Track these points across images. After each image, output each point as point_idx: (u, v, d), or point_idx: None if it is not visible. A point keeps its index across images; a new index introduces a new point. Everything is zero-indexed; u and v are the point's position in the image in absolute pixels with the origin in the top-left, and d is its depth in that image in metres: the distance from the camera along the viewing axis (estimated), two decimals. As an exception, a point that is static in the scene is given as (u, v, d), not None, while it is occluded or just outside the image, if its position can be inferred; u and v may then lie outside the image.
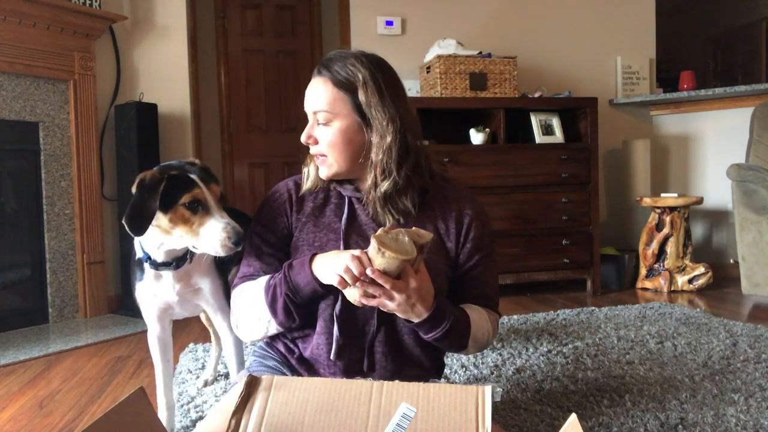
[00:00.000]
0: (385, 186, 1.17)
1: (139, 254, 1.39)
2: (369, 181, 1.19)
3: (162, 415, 1.54)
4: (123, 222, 1.23)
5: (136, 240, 1.36)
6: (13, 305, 2.94)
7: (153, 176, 1.24)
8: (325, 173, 1.21)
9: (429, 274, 1.10)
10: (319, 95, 1.17)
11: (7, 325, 2.82)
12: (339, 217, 1.22)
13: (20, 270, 2.96)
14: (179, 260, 1.37)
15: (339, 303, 1.16)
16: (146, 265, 1.39)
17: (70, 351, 2.48)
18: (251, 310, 1.18)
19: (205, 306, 1.49)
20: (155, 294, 1.46)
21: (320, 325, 1.19)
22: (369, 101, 1.15)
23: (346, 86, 1.16)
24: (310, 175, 1.26)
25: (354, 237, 1.21)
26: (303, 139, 1.19)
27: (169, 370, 1.56)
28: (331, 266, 1.04)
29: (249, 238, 1.26)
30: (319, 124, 1.18)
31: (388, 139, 1.15)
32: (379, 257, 0.99)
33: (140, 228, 1.23)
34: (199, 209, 1.24)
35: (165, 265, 1.38)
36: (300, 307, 1.13)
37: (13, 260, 2.94)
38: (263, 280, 1.18)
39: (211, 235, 1.23)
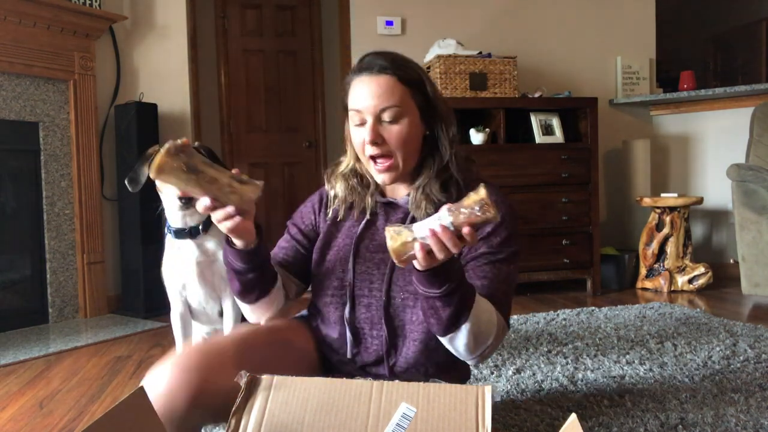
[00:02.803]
0: (436, 175, 1.19)
1: (167, 229, 1.68)
2: (421, 178, 1.20)
3: None
4: (125, 181, 1.64)
5: (166, 215, 1.67)
6: (13, 305, 2.94)
7: (152, 149, 1.60)
8: (389, 179, 1.19)
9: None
10: (386, 91, 1.14)
11: (7, 325, 2.82)
12: (359, 221, 1.26)
13: (20, 270, 2.96)
14: (194, 229, 1.63)
15: (347, 307, 1.22)
16: (168, 237, 1.65)
17: (70, 351, 2.48)
18: None
19: (219, 282, 1.67)
20: (176, 266, 1.67)
21: (332, 327, 1.25)
22: (435, 94, 1.20)
23: (412, 82, 1.17)
24: (338, 195, 1.28)
25: (366, 241, 1.24)
26: (371, 137, 1.14)
27: (189, 343, 1.73)
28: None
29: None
30: (382, 123, 1.15)
31: (453, 129, 1.20)
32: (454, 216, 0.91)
33: (134, 183, 1.62)
34: None
35: (181, 233, 1.63)
36: (238, 274, 1.15)
37: (13, 260, 2.94)
38: None
39: (169, 193, 1.55)
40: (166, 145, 0.99)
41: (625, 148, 3.95)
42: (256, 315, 1.24)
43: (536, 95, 3.46)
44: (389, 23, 3.70)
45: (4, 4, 2.75)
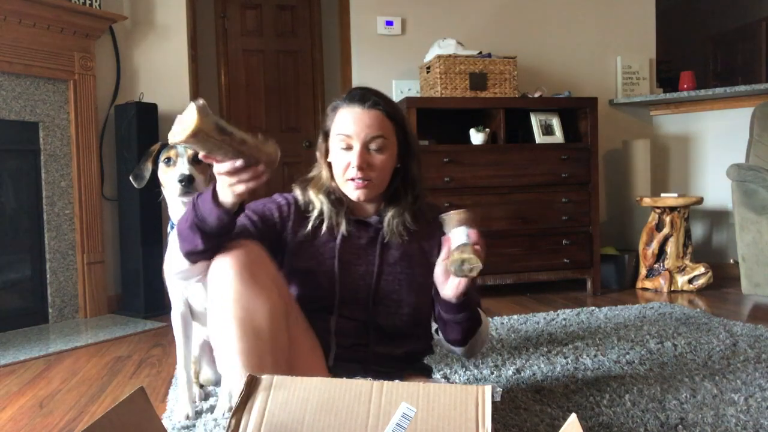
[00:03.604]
0: (410, 204, 1.36)
1: (170, 226, 1.70)
2: (398, 208, 1.36)
3: (182, 389, 1.67)
4: (130, 177, 1.72)
5: (169, 212, 1.71)
6: (13, 305, 2.94)
7: (154, 146, 1.72)
8: (364, 195, 1.31)
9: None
10: (376, 123, 1.29)
11: (7, 325, 2.82)
12: (334, 238, 1.34)
13: (20, 270, 2.96)
14: None
15: (334, 316, 1.30)
16: (172, 235, 1.67)
17: (70, 351, 2.48)
18: (173, 242, 1.22)
19: None
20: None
21: (315, 337, 1.31)
22: (412, 133, 1.38)
23: (397, 120, 1.33)
24: (316, 206, 1.35)
25: (347, 256, 1.33)
26: (358, 163, 1.26)
27: (189, 348, 1.73)
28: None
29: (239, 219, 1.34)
30: (369, 151, 1.29)
31: (418, 164, 1.39)
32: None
33: (139, 179, 1.69)
34: (170, 163, 1.64)
35: None
36: (206, 234, 1.14)
37: (13, 260, 2.94)
38: None
39: (171, 179, 1.62)
40: (197, 105, 0.94)
41: (625, 148, 3.95)
42: (187, 275, 1.24)
43: (536, 95, 3.46)
44: (389, 23, 3.70)
45: (4, 4, 2.75)
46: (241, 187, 1.05)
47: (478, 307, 1.36)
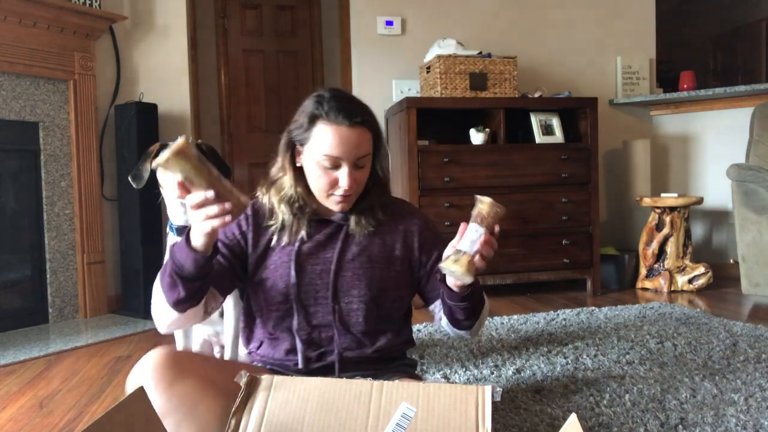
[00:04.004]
0: (377, 199, 1.35)
1: (168, 227, 1.73)
2: (365, 202, 1.34)
3: None
4: (129, 178, 1.76)
5: (168, 213, 1.73)
6: (13, 305, 2.94)
7: (153, 146, 1.76)
8: (348, 206, 1.30)
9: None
10: (363, 142, 1.26)
11: (7, 325, 2.82)
12: (292, 243, 1.32)
13: (20, 270, 2.96)
14: None
15: (295, 318, 1.30)
16: (170, 235, 1.70)
17: (70, 351, 2.48)
18: (157, 296, 1.21)
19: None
20: None
21: (283, 339, 1.33)
22: (382, 134, 1.35)
23: (377, 131, 1.31)
24: (277, 217, 1.32)
25: (304, 258, 1.32)
26: (349, 183, 1.24)
27: (189, 346, 1.76)
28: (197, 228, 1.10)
29: None
30: (356, 167, 1.26)
31: (387, 161, 1.38)
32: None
33: (138, 180, 1.74)
34: None
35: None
36: (186, 281, 1.14)
37: (13, 260, 2.94)
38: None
39: (170, 181, 1.57)
40: (183, 136, 1.06)
41: (625, 148, 3.95)
42: (178, 324, 1.23)
43: (536, 95, 3.46)
44: (389, 23, 3.70)
45: (5, 4, 2.75)
46: (208, 225, 1.05)
47: (480, 289, 1.32)
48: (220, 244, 1.30)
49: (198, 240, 1.09)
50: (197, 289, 1.15)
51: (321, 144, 1.23)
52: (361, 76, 3.69)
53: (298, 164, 1.31)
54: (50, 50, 2.97)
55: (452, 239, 1.20)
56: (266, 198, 1.34)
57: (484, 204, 1.16)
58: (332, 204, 1.29)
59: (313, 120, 1.25)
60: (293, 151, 1.31)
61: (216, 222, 1.04)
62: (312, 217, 1.33)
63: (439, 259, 1.29)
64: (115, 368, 2.21)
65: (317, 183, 1.27)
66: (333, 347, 1.32)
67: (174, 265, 1.13)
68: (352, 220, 1.33)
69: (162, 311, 1.20)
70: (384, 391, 0.94)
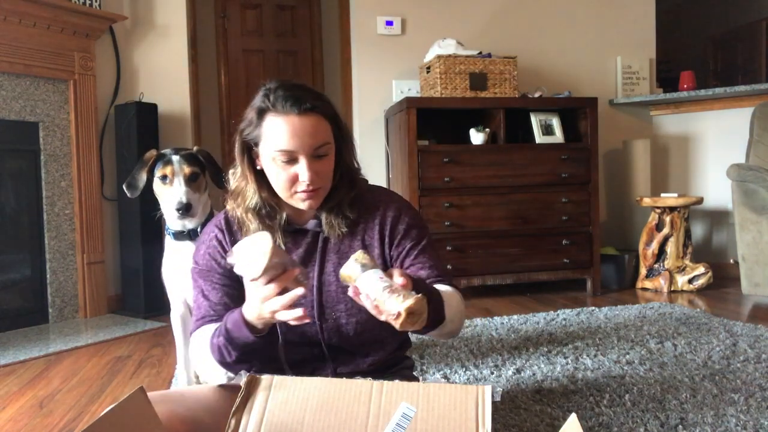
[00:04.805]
0: (345, 194, 1.24)
1: (166, 231, 1.75)
2: (333, 200, 1.24)
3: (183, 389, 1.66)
4: (123, 186, 1.75)
5: (165, 218, 1.75)
6: (13, 305, 2.93)
7: (149, 155, 1.73)
8: (315, 203, 1.20)
9: None
10: (318, 131, 1.15)
11: (7, 325, 2.82)
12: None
13: (20, 270, 2.96)
14: (192, 232, 1.71)
15: (280, 340, 1.22)
16: (168, 239, 1.73)
17: (70, 351, 2.48)
18: (208, 362, 1.18)
19: None
20: (176, 268, 1.71)
21: (271, 360, 1.24)
22: (343, 120, 1.25)
23: (333, 116, 1.20)
24: (248, 228, 1.22)
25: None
26: (309, 177, 1.14)
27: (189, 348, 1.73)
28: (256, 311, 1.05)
29: (192, 280, 1.29)
30: (315, 158, 1.16)
31: (355, 149, 1.28)
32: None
33: (132, 189, 1.75)
34: (166, 181, 1.69)
35: (180, 235, 1.71)
36: (252, 353, 1.12)
37: (13, 260, 2.94)
38: (209, 332, 1.18)
39: (167, 201, 1.67)
40: (268, 235, 1.02)
41: (625, 148, 3.95)
42: (228, 376, 1.21)
43: (536, 95, 3.46)
44: (389, 23, 3.70)
45: (4, 4, 2.75)
46: (295, 313, 1.00)
47: (438, 300, 1.11)
48: (216, 276, 1.25)
49: (259, 324, 1.07)
50: (250, 358, 1.13)
51: (273, 139, 1.14)
52: (361, 76, 3.69)
53: (258, 167, 1.21)
54: (50, 50, 2.97)
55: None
56: (234, 211, 1.25)
57: (356, 256, 1.00)
58: (299, 202, 1.19)
59: (261, 114, 1.16)
60: (250, 154, 1.21)
61: (298, 313, 1.01)
62: (285, 227, 1.24)
63: (418, 252, 1.25)
64: (115, 368, 2.21)
65: (278, 182, 1.17)
66: (325, 365, 1.27)
67: (234, 346, 1.10)
68: (323, 220, 1.24)
69: (214, 373, 1.17)
70: (384, 391, 0.94)
